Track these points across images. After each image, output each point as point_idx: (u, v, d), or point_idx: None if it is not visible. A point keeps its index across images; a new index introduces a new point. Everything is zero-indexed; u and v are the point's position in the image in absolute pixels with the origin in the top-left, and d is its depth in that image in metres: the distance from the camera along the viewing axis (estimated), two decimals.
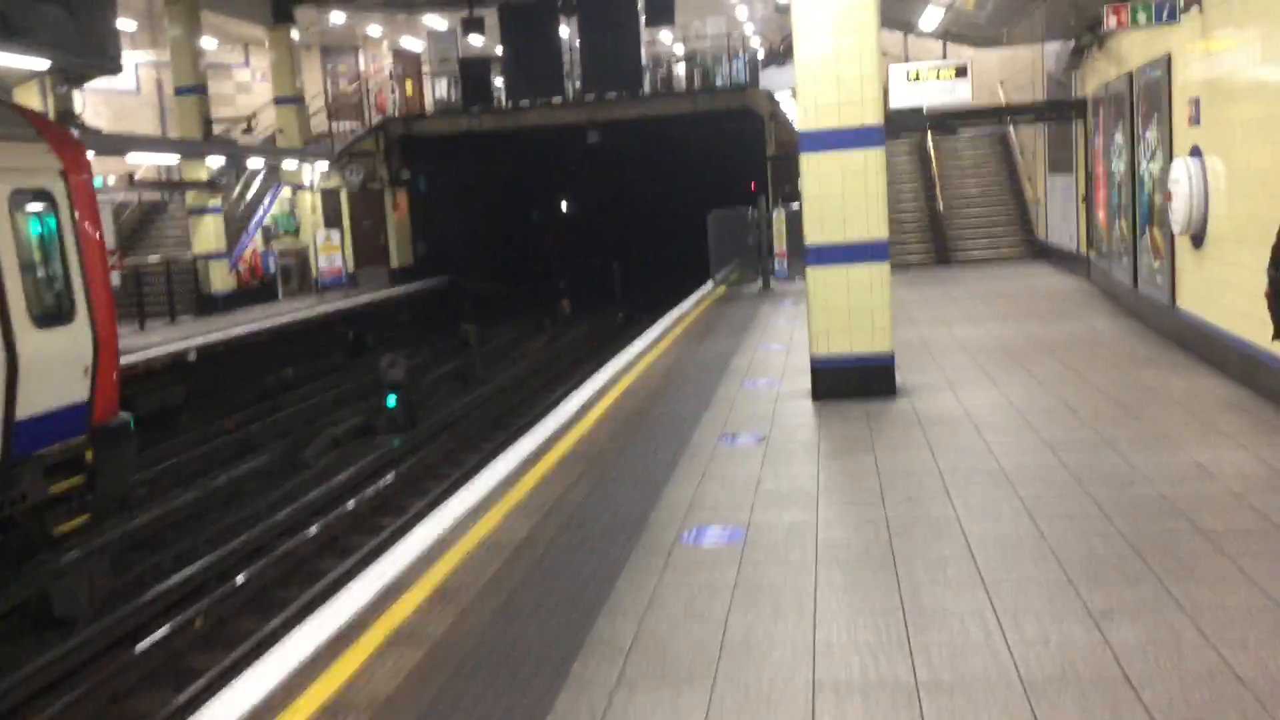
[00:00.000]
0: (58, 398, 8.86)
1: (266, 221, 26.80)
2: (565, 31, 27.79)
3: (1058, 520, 5.69)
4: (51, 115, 17.16)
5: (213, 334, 19.11)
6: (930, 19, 16.71)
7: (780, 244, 19.29)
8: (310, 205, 28.22)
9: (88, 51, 15.16)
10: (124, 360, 11.43)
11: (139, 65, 29.05)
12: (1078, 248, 17.30)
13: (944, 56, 18.17)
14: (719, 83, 29.45)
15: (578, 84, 28.21)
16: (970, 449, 7.35)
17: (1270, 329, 7.35)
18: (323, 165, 27.74)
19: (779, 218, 19.09)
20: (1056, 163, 19.19)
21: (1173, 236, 10.50)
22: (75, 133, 14.49)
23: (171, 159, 24.84)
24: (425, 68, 31.31)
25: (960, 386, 9.52)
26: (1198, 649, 4.13)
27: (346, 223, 28.51)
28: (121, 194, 25.84)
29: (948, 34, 18.38)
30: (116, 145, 21.53)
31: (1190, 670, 3.97)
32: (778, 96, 25.59)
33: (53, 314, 9.01)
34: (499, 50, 28.15)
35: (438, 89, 31.06)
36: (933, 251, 22.16)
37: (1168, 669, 3.99)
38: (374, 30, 32.37)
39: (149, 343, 17.99)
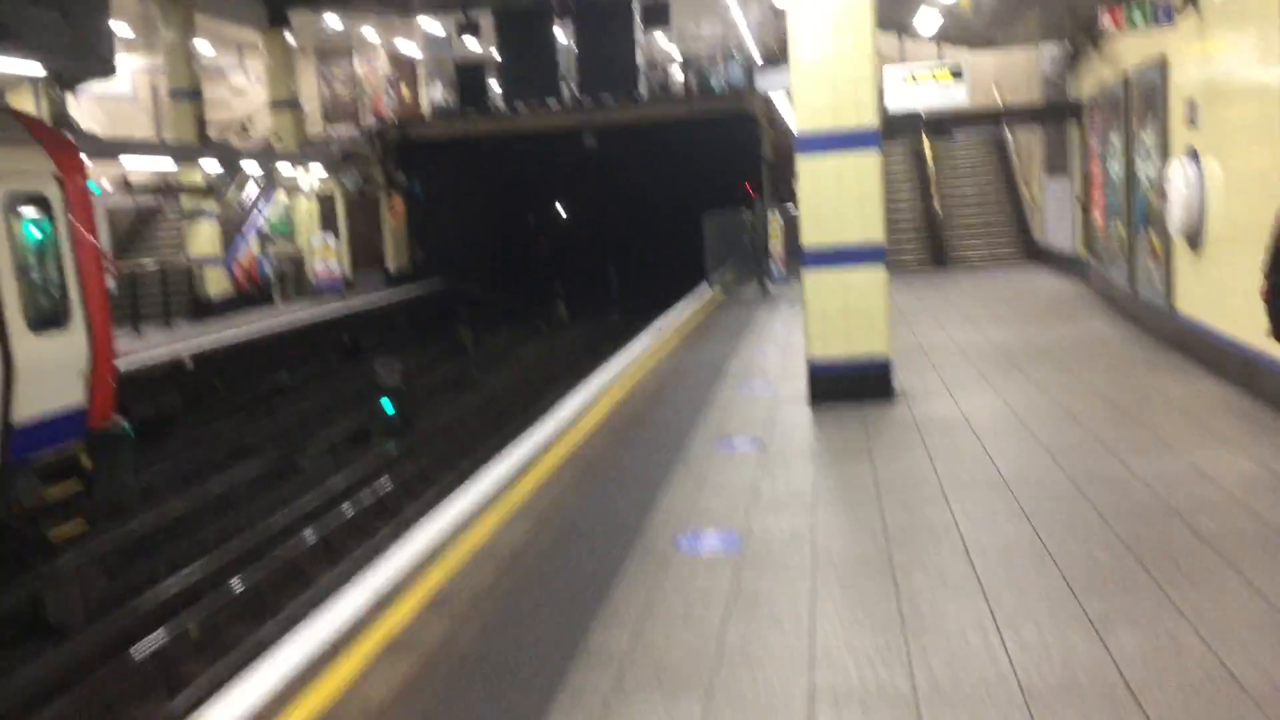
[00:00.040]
0: (54, 403, 8.82)
1: (262, 225, 26.75)
2: (561, 35, 27.78)
3: (1057, 526, 5.65)
4: (45, 119, 17.11)
5: (208, 338, 19.05)
6: (926, 21, 16.69)
7: (777, 247, 19.26)
8: (306, 209, 28.19)
9: (81, 54, 15.12)
10: (118, 366, 11.38)
11: (134, 70, 29.01)
12: (1075, 250, 17.28)
13: (940, 60, 18.14)
14: (715, 86, 29.46)
15: (574, 88, 28.21)
16: (968, 454, 7.31)
17: (1270, 330, 7.30)
18: (318, 169, 27.71)
19: (775, 220, 19.06)
20: (1053, 165, 19.18)
21: (1170, 239, 10.47)
22: (69, 137, 14.43)
23: (167, 163, 24.80)
24: (421, 71, 31.32)
25: (958, 390, 9.48)
26: (1199, 656, 4.08)
27: (343, 227, 28.48)
28: (117, 198, 25.81)
29: (943, 37, 18.37)
30: (111, 149, 21.47)
31: (1191, 678, 3.93)
32: (774, 99, 25.58)
33: (48, 318, 8.98)
34: (495, 54, 28.15)
35: (433, 93, 31.06)
36: (929, 254, 22.14)
37: (1169, 676, 3.95)
38: (369, 34, 32.33)
39: (144, 348, 17.93)
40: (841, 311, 9.17)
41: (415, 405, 17.15)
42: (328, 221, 28.34)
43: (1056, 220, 19.02)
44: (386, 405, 16.12)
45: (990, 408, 8.74)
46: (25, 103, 17.60)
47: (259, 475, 14.16)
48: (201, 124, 23.79)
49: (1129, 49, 12.22)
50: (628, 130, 28.20)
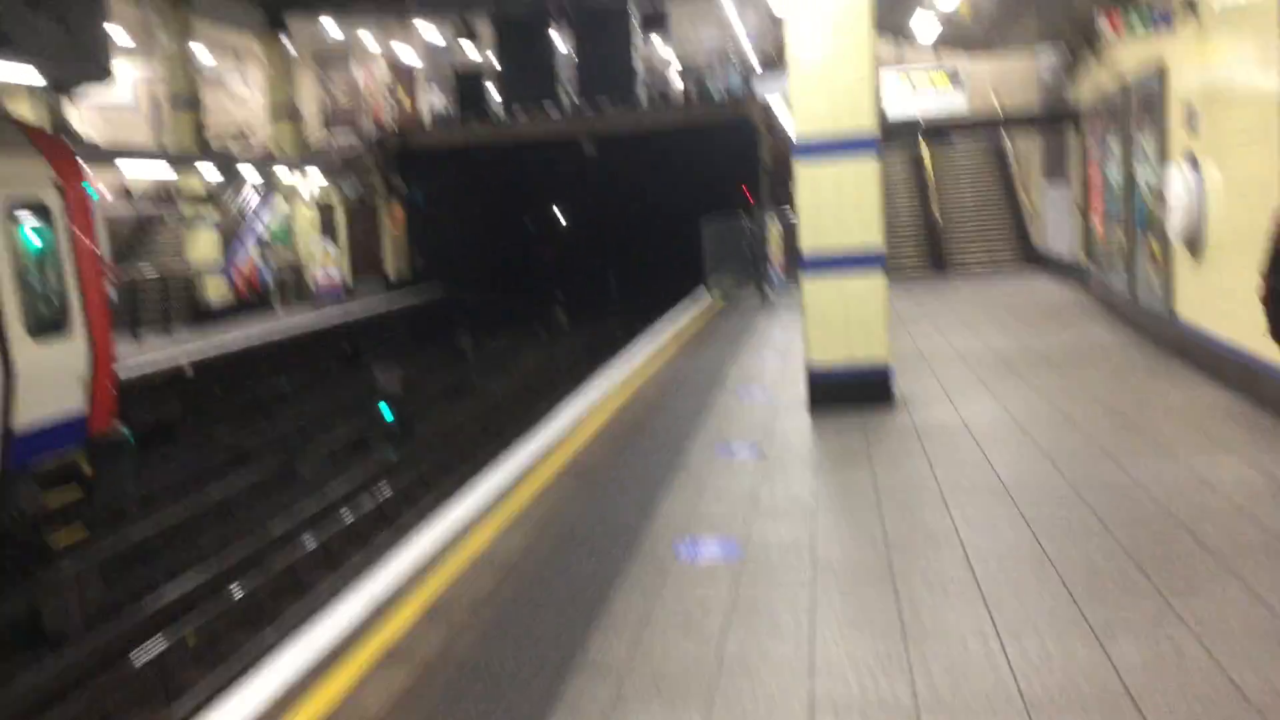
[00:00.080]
0: (54, 410, 8.81)
1: (262, 232, 26.75)
2: (560, 42, 27.82)
3: (1058, 533, 5.62)
4: (44, 126, 17.10)
5: (208, 346, 19.03)
6: (924, 25, 16.69)
7: (776, 252, 19.24)
8: (306, 216, 28.19)
9: (78, 60, 15.10)
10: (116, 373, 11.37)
11: (134, 78, 29.03)
12: (1074, 256, 17.27)
13: (938, 66, 18.15)
14: (714, 93, 29.47)
15: (573, 95, 28.23)
16: (969, 461, 7.28)
17: (1269, 332, 7.27)
18: (318, 176, 27.72)
19: (774, 226, 19.05)
20: (1052, 171, 19.18)
21: (1169, 245, 10.45)
22: (68, 144, 14.42)
23: (166, 170, 24.80)
24: (420, 78, 31.34)
25: (958, 397, 9.46)
26: (1201, 665, 4.05)
27: (342, 234, 28.47)
28: (116, 205, 25.81)
29: (942, 43, 18.38)
30: (110, 157, 21.47)
31: (1194, 687, 3.90)
32: (772, 105, 25.58)
33: (48, 325, 8.98)
34: (494, 61, 28.18)
35: (433, 100, 31.09)
36: (929, 260, 22.12)
37: (1171, 686, 3.92)
38: (369, 42, 32.37)
39: (144, 355, 17.90)
40: (841, 317, 9.14)
41: (415, 411, 17.12)
42: (327, 228, 28.34)
43: (1056, 226, 19.01)
44: (386, 412, 16.09)
45: (990, 414, 8.72)
46: (23, 109, 17.59)
47: (258, 482, 14.13)
48: (201, 131, 23.77)
49: (1128, 55, 12.21)
50: (626, 137, 28.20)
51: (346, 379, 21.64)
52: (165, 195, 25.67)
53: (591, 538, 6.16)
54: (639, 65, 28.36)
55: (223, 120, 30.25)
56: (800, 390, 9.56)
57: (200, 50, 25.94)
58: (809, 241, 9.16)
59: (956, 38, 18.30)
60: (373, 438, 15.99)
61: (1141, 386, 9.37)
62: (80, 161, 10.02)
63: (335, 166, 28.24)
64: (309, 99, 31.44)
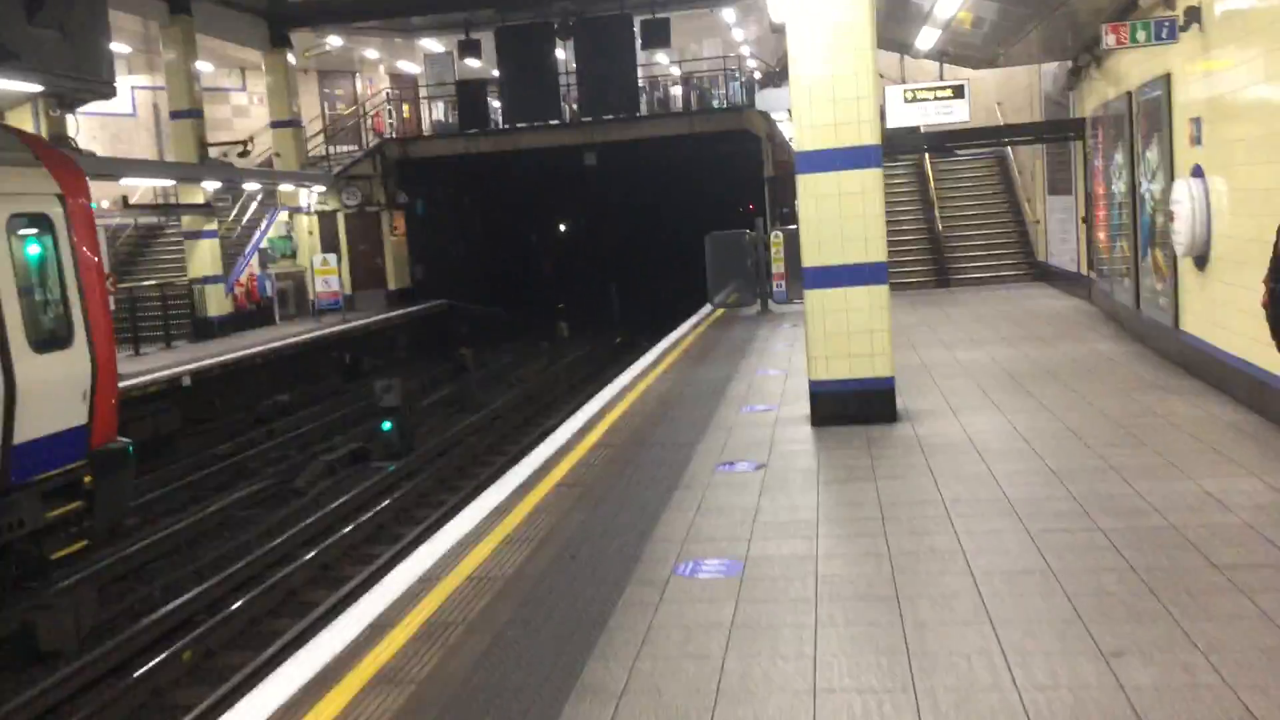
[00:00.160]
0: (56, 423, 8.78)
1: (263, 245, 26.70)
2: (562, 54, 27.80)
3: (1066, 553, 5.51)
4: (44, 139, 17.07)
5: (208, 358, 18.96)
6: (927, 39, 16.65)
7: (778, 266, 19.16)
8: (307, 228, 28.14)
9: (82, 75, 15.10)
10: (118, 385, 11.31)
11: (136, 89, 29.01)
12: (1079, 269, 17.18)
13: (941, 78, 18.07)
14: (716, 104, 29.44)
15: (575, 106, 28.20)
16: (974, 477, 7.18)
17: (1271, 339, 7.18)
18: (320, 188, 27.67)
19: (777, 239, 18.97)
20: (1056, 183, 19.10)
21: (1175, 258, 10.36)
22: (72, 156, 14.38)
23: (168, 182, 24.77)
24: (422, 91, 31.32)
25: (962, 411, 9.36)
26: (1214, 692, 3.95)
27: (344, 246, 28.41)
28: (117, 218, 25.76)
29: (944, 55, 18.30)
30: (112, 168, 21.43)
31: (1205, 711, 3.80)
32: (775, 117, 25.54)
33: (51, 338, 8.95)
34: (496, 73, 28.17)
35: (435, 112, 31.07)
36: (932, 273, 22.03)
37: (1182, 710, 3.82)
38: (371, 54, 32.37)
39: (144, 368, 17.84)
40: (844, 331, 9.06)
41: (415, 425, 17.04)
42: (329, 240, 28.28)
43: (1060, 239, 18.92)
44: (386, 425, 16.01)
45: (995, 429, 8.62)
46: (25, 122, 17.56)
47: (256, 497, 14.05)
48: (203, 143, 23.74)
49: (1132, 66, 12.14)
50: (629, 149, 28.17)
51: (347, 390, 21.55)
52: (166, 206, 25.61)
53: (591, 555, 6.06)
54: (641, 77, 28.35)
55: (225, 132, 30.22)
56: (803, 404, 9.47)
57: (202, 62, 25.89)
58: (811, 254, 9.08)
59: (960, 53, 18.25)
60: (373, 451, 15.90)
61: (1147, 400, 9.27)
62: (83, 173, 9.98)
63: (337, 177, 28.19)
64: (311, 111, 31.41)
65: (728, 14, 29.14)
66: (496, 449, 16.82)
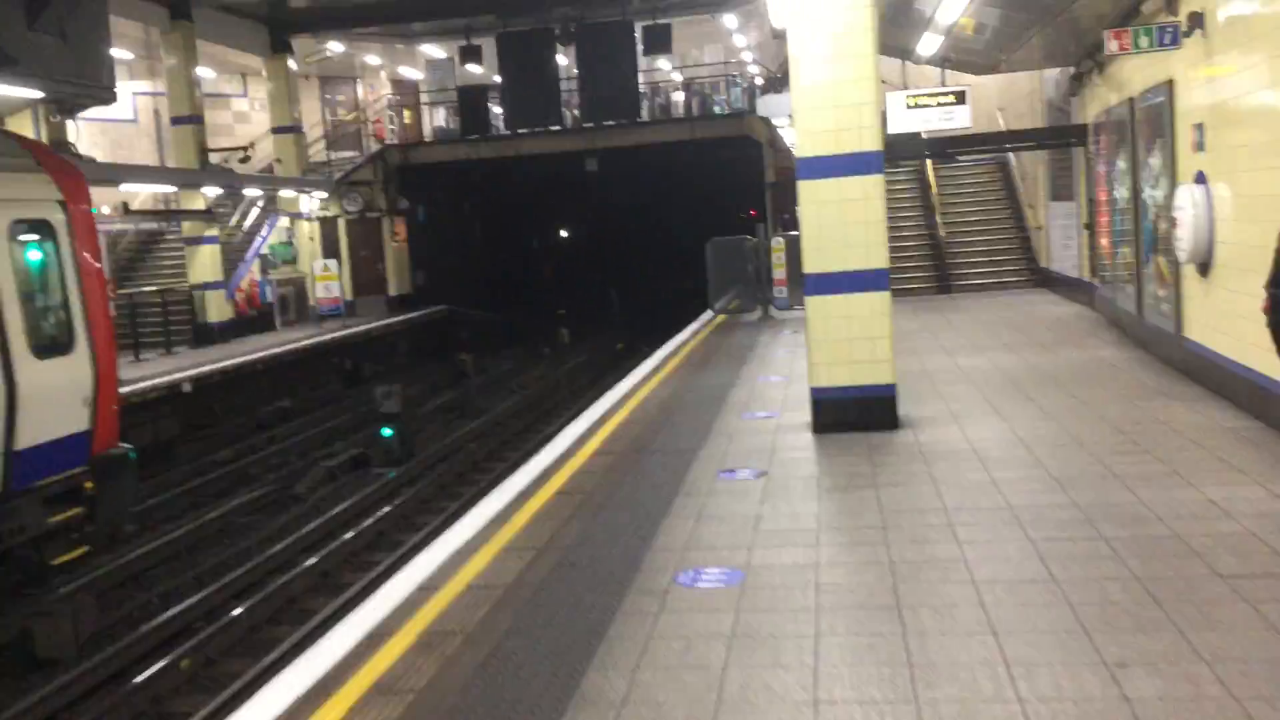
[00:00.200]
0: (58, 428, 8.78)
1: (264, 251, 26.67)
2: (563, 60, 27.80)
3: (1069, 562, 5.47)
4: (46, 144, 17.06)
5: (208, 364, 18.93)
6: (928, 45, 16.62)
7: (780, 272, 19.12)
8: (308, 234, 28.12)
9: (82, 81, 15.10)
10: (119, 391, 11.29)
11: (137, 95, 29.01)
12: (1081, 275, 17.14)
13: (942, 84, 18.04)
14: (717, 110, 29.41)
15: (576, 112, 28.19)
16: (976, 485, 7.14)
17: (1272, 344, 7.14)
18: (321, 194, 27.65)
19: (778, 245, 18.94)
20: (1058, 189, 19.07)
21: (1178, 264, 10.32)
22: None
23: (169, 188, 24.75)
24: (424, 96, 31.32)
25: (964, 418, 9.32)
26: (1220, 704, 3.90)
27: (344, 251, 28.40)
28: (118, 223, 25.74)
29: (946, 61, 18.28)
30: (112, 174, 21.41)
31: None
32: (776, 123, 25.51)
33: (53, 344, 8.95)
34: (497, 79, 28.17)
35: (436, 118, 31.07)
36: (934, 279, 21.99)
37: None
38: (372, 60, 32.39)
39: (144, 374, 17.82)
40: (845, 338, 9.02)
41: (415, 432, 17.01)
42: (330, 246, 28.26)
43: (1062, 245, 18.88)
44: (386, 432, 15.97)
45: (997, 436, 8.58)
46: (25, 128, 17.56)
47: (256, 503, 14.02)
48: (204, 149, 23.73)
49: (1134, 73, 12.11)
50: (630, 154, 28.15)
51: (347, 396, 21.52)
52: (167, 212, 25.59)
53: (590, 564, 6.02)
54: (642, 83, 28.34)
55: (226, 138, 30.23)
56: (804, 412, 9.43)
57: (204, 69, 25.90)
58: (813, 260, 9.05)
59: (962, 59, 18.23)
60: (373, 457, 15.86)
61: (1150, 407, 9.23)
62: (85, 179, 9.97)
63: (338, 183, 28.17)
64: (313, 116, 31.42)
65: (729, 20, 29.12)
66: (497, 455, 16.78)
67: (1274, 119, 7.81)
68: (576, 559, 6.13)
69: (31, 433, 8.44)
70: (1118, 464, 7.36)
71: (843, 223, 8.92)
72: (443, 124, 30.64)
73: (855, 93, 8.83)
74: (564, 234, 40.26)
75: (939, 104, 16.94)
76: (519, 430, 18.58)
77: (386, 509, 13.33)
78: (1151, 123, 11.34)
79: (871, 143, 8.89)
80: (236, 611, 9.96)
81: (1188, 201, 9.46)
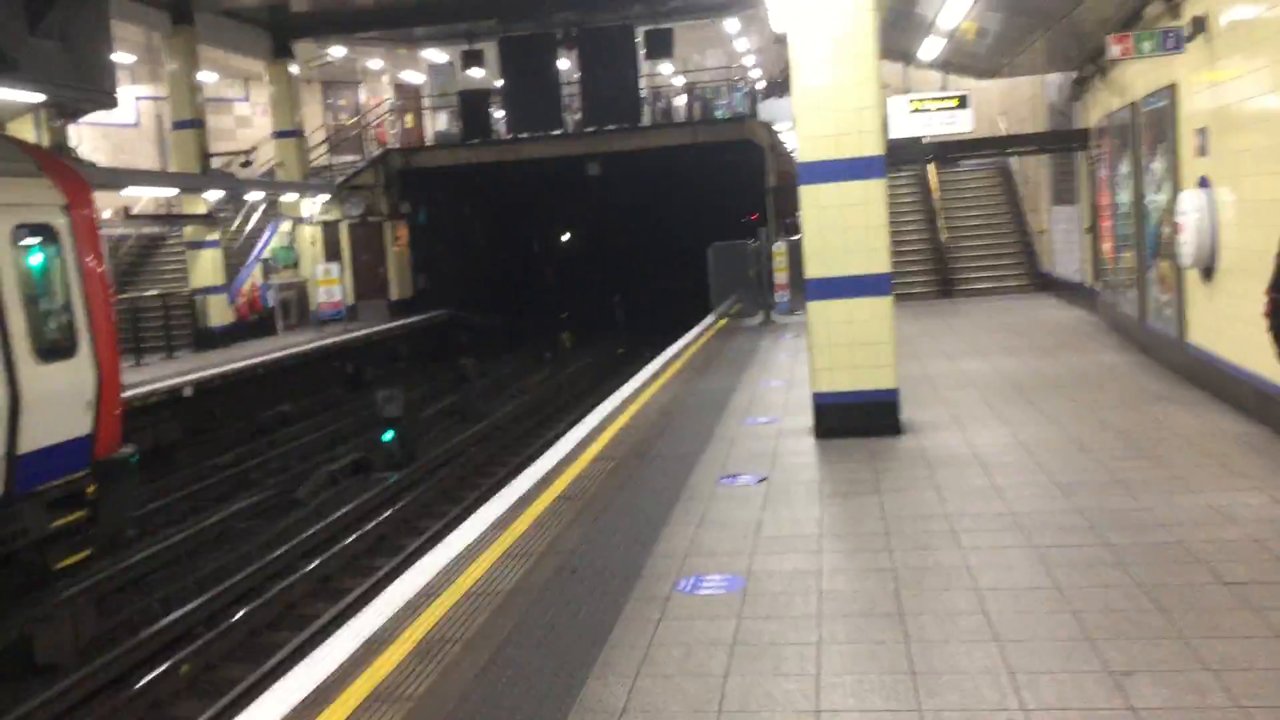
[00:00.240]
0: (60, 432, 8.78)
1: (265, 255, 26.67)
2: (565, 65, 27.81)
3: (1073, 570, 5.44)
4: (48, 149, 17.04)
5: (209, 369, 18.91)
6: (930, 50, 16.61)
7: (781, 276, 19.10)
8: (309, 238, 28.11)
9: (83, 85, 15.09)
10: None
11: (138, 99, 29.05)
12: (1083, 280, 17.11)
13: (944, 88, 18.05)
14: (719, 114, 29.41)
15: (578, 116, 28.19)
16: (979, 491, 7.10)
17: (1273, 348, 7.10)
18: (322, 198, 27.65)
19: (780, 250, 18.92)
20: (1060, 193, 19.04)
21: (1181, 269, 10.29)
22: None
23: (170, 192, 24.75)
24: (425, 101, 31.32)
25: (967, 424, 9.28)
26: (1226, 714, 3.87)
27: (346, 256, 28.38)
28: (119, 228, 25.75)
29: (948, 65, 18.28)
30: (114, 179, 21.42)
31: None
32: (777, 127, 25.51)
33: (55, 348, 8.95)
34: (499, 83, 28.18)
35: (438, 122, 31.07)
36: (936, 284, 21.97)
37: None
38: (374, 64, 32.41)
39: (145, 378, 17.79)
40: (847, 343, 8.99)
41: (417, 436, 16.98)
42: (331, 250, 28.25)
43: (1064, 249, 18.85)
44: (388, 436, 15.95)
45: (1000, 441, 8.54)
46: (26, 132, 17.55)
47: (257, 507, 13.99)
48: (205, 154, 23.74)
49: (1137, 77, 12.09)
50: (632, 158, 28.13)
51: (349, 401, 21.49)
52: (168, 216, 25.60)
53: (591, 571, 5.99)
54: (644, 87, 28.34)
55: (227, 142, 30.26)
56: (806, 417, 9.40)
57: (205, 73, 25.92)
58: (814, 264, 9.02)
59: (964, 63, 18.22)
60: (375, 462, 15.83)
61: (1154, 412, 9.20)
62: (88, 184, 9.97)
63: (339, 187, 28.17)
64: (314, 121, 31.43)
65: (730, 24, 29.15)
66: (498, 460, 16.76)
67: (1277, 124, 7.79)
68: (576, 565, 6.10)
69: (34, 437, 8.45)
70: (1120, 469, 7.32)
71: (844, 227, 8.90)
72: (444, 128, 30.64)
73: (856, 97, 8.81)
74: (566, 238, 40.25)
75: (941, 108, 16.93)
76: (520, 435, 18.55)
77: (387, 513, 13.30)
78: (1154, 127, 11.32)
79: (873, 147, 8.86)
80: (237, 616, 9.93)
81: (1191, 206, 9.43)
